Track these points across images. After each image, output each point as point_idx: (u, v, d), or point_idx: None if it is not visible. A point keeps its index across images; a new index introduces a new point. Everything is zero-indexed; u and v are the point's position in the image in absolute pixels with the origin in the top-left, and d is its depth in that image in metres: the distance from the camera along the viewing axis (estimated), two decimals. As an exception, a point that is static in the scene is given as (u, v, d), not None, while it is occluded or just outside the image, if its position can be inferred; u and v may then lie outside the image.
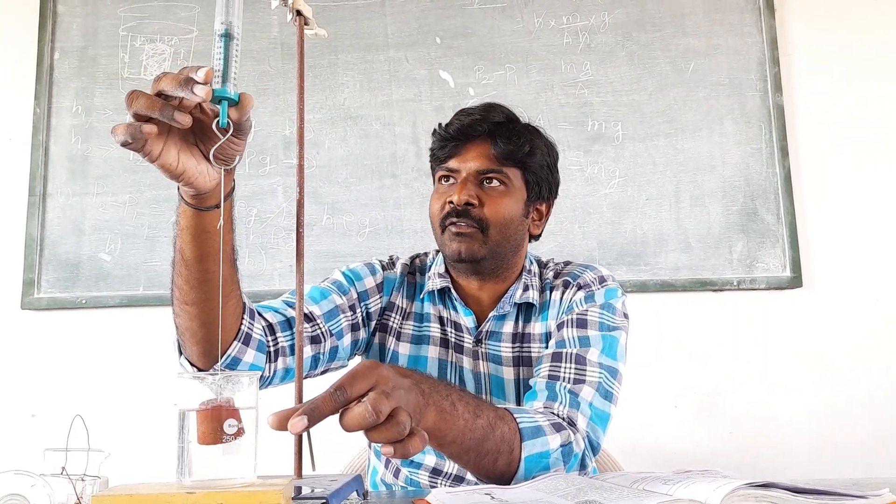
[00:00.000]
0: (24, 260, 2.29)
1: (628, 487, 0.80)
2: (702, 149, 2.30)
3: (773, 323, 2.22)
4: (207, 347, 0.96)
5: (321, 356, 1.18)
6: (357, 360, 1.33)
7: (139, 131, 0.73)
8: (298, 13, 0.97)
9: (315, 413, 0.71)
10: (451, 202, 1.19)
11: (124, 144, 0.74)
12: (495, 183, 1.21)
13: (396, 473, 1.28)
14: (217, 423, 0.73)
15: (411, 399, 0.82)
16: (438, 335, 1.27)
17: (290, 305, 1.16)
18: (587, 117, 2.33)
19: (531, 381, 1.16)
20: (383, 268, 1.32)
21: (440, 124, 1.26)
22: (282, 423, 0.71)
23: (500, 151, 1.21)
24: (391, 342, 1.27)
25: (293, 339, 1.12)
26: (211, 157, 0.80)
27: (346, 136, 2.35)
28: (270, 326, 1.09)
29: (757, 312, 2.23)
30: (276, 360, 1.09)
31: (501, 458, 0.96)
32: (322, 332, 1.18)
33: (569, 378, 1.12)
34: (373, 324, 1.28)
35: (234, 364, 1.00)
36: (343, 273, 1.29)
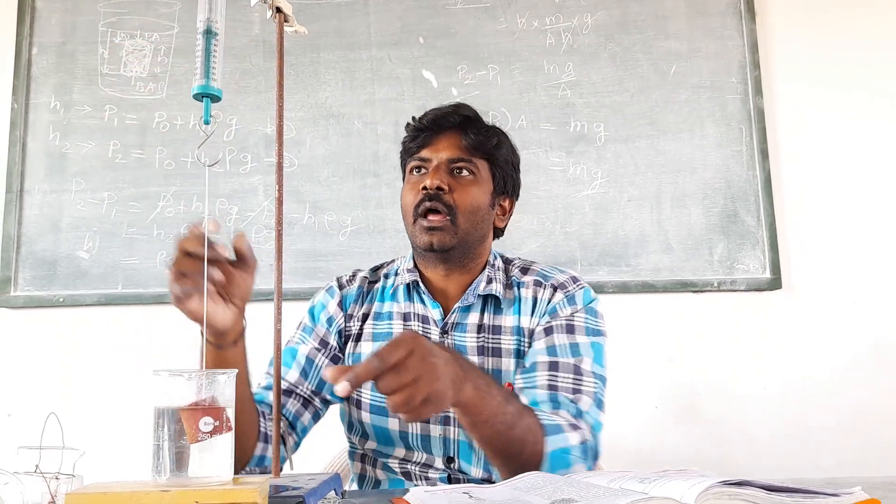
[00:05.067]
0: (1, 257, 2.26)
1: (605, 486, 0.80)
2: (683, 151, 2.31)
3: (753, 324, 2.24)
4: (237, 456, 1.05)
5: (320, 411, 1.29)
6: None
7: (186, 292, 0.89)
8: (278, 10, 0.96)
9: (356, 379, 0.80)
10: (424, 188, 1.24)
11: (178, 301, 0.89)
12: (465, 173, 1.27)
13: (374, 463, 1.30)
14: (193, 421, 0.72)
15: (450, 369, 0.88)
16: (400, 331, 1.30)
17: (268, 388, 1.25)
18: (569, 118, 2.34)
19: (525, 389, 1.18)
20: (341, 286, 1.37)
21: (413, 118, 1.33)
22: (335, 379, 0.81)
23: (471, 142, 1.27)
24: (350, 347, 1.32)
25: (285, 414, 1.24)
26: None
27: (328, 135, 2.34)
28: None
29: (737, 313, 2.24)
30: (285, 442, 1.19)
31: (527, 449, 1.01)
32: (307, 396, 1.27)
33: (567, 388, 1.16)
34: (340, 339, 1.34)
35: (261, 461, 1.13)
36: (309, 311, 1.36)
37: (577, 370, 1.17)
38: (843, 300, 2.24)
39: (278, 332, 0.88)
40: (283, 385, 1.25)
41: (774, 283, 2.23)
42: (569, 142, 2.32)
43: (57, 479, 0.83)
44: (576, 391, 1.15)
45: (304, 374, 1.27)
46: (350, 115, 2.35)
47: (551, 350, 1.20)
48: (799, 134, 2.32)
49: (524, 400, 1.14)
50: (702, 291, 2.25)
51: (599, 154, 2.32)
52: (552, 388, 1.15)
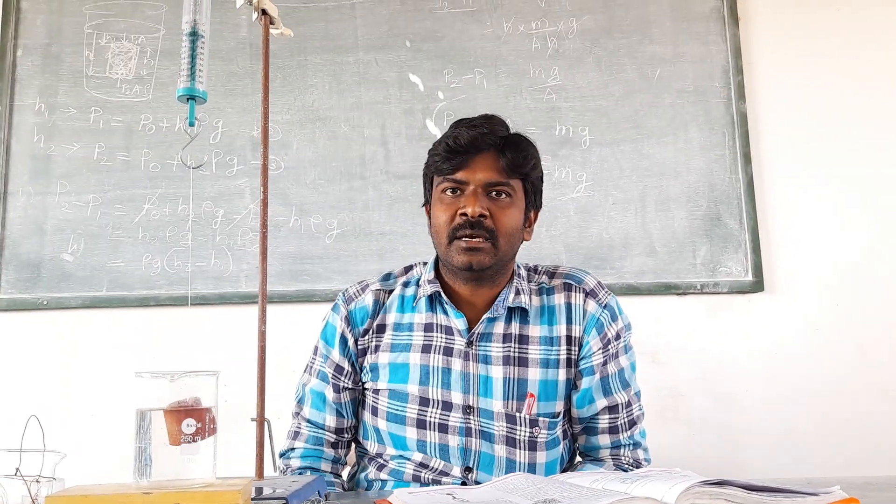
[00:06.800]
0: (-16, 260, 2.25)
1: (587, 487, 0.81)
2: (667, 154, 2.33)
3: (735, 326, 2.25)
4: None
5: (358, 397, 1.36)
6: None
7: None
8: (264, 12, 0.97)
9: None
10: (463, 214, 1.22)
11: None
12: (503, 196, 1.25)
13: (381, 468, 1.29)
14: (176, 423, 0.72)
15: None
16: (421, 342, 1.29)
17: (316, 443, 1.34)
18: (555, 122, 2.35)
19: (588, 433, 1.31)
20: (349, 300, 1.35)
21: (445, 136, 1.28)
22: None
23: (508, 164, 1.25)
24: (369, 359, 1.31)
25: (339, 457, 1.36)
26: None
27: (315, 138, 2.34)
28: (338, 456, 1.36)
29: (720, 316, 2.26)
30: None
31: None
32: (353, 388, 1.34)
33: (625, 425, 1.30)
34: (356, 353, 1.34)
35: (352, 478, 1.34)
36: (322, 337, 1.37)
37: (629, 403, 1.31)
38: (825, 302, 2.26)
39: (262, 334, 0.88)
40: (330, 438, 1.33)
41: (757, 286, 2.25)
42: (554, 145, 2.33)
43: (37, 482, 0.82)
44: (631, 424, 1.31)
45: (339, 413, 1.33)
46: (337, 118, 2.35)
47: (607, 389, 1.29)
48: (781, 138, 2.34)
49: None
50: (685, 294, 2.26)
51: (584, 158, 2.33)
52: (612, 430, 1.30)
